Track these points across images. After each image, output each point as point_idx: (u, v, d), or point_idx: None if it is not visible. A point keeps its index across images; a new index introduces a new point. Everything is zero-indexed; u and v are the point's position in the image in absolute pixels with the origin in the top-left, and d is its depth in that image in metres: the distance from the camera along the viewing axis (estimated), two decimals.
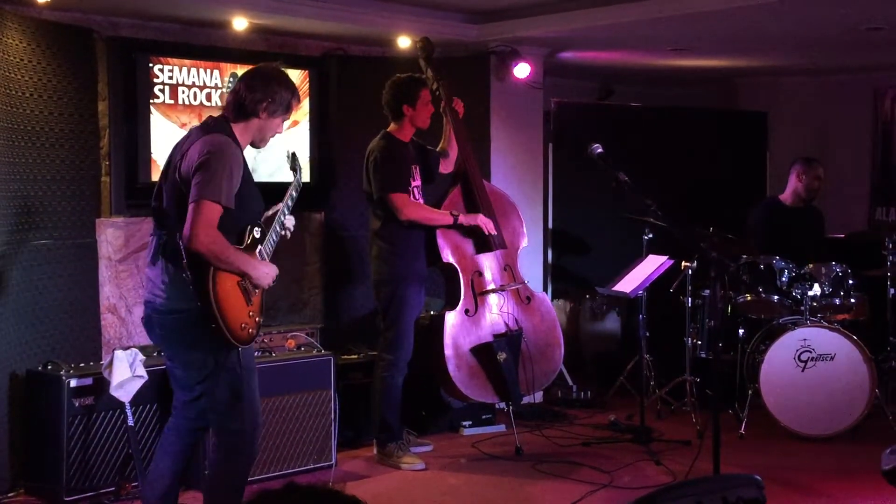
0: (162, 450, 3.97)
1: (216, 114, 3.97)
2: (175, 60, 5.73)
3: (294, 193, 4.05)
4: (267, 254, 3.88)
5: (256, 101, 3.81)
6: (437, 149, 5.73)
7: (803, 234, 6.67)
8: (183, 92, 5.77)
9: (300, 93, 6.16)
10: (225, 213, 3.62)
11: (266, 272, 3.79)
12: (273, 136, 3.96)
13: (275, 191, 4.21)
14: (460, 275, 5.57)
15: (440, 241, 5.51)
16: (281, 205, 4.01)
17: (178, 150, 3.77)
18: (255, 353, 5.15)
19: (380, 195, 5.36)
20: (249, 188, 3.80)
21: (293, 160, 4.16)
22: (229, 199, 3.62)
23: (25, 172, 5.04)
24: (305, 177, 6.24)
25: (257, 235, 3.82)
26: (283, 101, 3.86)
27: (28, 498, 4.89)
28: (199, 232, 3.54)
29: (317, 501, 1.77)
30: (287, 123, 4.08)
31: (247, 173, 3.80)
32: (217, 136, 3.71)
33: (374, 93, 5.79)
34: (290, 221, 4.05)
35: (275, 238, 3.93)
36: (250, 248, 3.78)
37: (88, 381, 4.81)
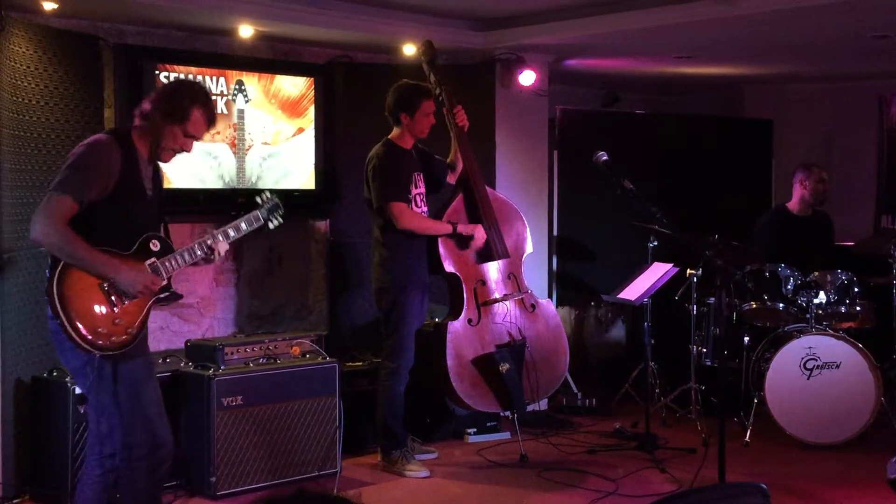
0: (82, 483, 3.84)
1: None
2: (181, 67, 5.74)
3: (244, 225, 3.95)
4: (165, 269, 3.72)
5: (154, 104, 3.74)
6: (448, 160, 5.72)
7: (811, 242, 6.65)
8: None
9: (306, 100, 6.23)
10: (90, 212, 3.53)
11: (133, 278, 3.59)
12: (175, 148, 3.80)
13: (289, 198, 4.13)
14: (463, 284, 5.56)
15: (442, 251, 5.50)
16: (220, 229, 3.91)
17: None
18: (261, 360, 5.19)
19: (378, 204, 5.36)
20: (131, 195, 3.67)
21: (266, 199, 4.04)
22: (81, 192, 3.53)
23: (32, 179, 5.05)
24: (311, 184, 6.27)
25: (154, 248, 3.71)
26: (179, 105, 3.72)
27: (33, 503, 4.91)
28: (37, 221, 3.51)
29: None
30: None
31: (133, 179, 3.67)
32: (96, 136, 3.70)
33: (380, 100, 5.79)
34: (221, 246, 3.89)
35: (187, 257, 3.78)
36: (137, 257, 3.66)
37: None
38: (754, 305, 6.23)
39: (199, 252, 3.83)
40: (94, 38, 5.47)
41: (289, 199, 5.56)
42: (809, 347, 5.96)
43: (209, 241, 3.86)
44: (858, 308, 6.18)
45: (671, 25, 5.86)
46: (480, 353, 5.55)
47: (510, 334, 5.63)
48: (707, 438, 5.87)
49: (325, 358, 5.44)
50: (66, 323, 3.49)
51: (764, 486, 2.33)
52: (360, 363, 5.92)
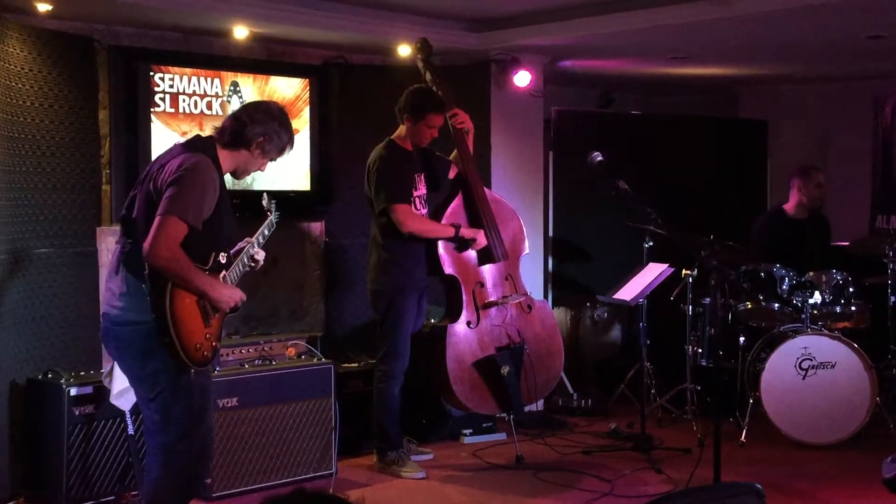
0: (147, 475, 3.90)
1: (206, 132, 3.94)
2: (176, 69, 5.74)
3: (266, 231, 4.05)
4: (231, 281, 3.84)
5: (255, 134, 3.81)
6: (451, 157, 5.70)
7: (808, 245, 6.65)
8: (184, 100, 5.78)
9: (301, 101, 6.24)
10: (191, 233, 3.59)
11: (228, 295, 3.74)
12: (254, 172, 3.96)
13: (275, 199, 4.18)
14: (462, 286, 5.55)
15: (441, 253, 5.49)
16: (252, 238, 4.00)
17: (158, 162, 3.76)
18: (256, 362, 5.20)
19: (381, 206, 5.35)
20: (222, 214, 3.76)
21: (269, 203, 4.13)
22: (196, 218, 3.59)
23: (26, 181, 5.05)
24: (306, 185, 6.27)
25: (222, 261, 3.79)
26: (280, 143, 3.88)
27: None
28: (159, 245, 3.52)
29: None
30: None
31: (222, 199, 3.76)
32: (198, 156, 3.69)
33: (375, 101, 5.81)
34: (259, 255, 4.01)
35: (240, 268, 3.89)
36: (213, 272, 3.75)
37: (89, 389, 4.82)
38: (750, 306, 6.24)
39: (248, 264, 3.96)
40: (88, 40, 5.46)
41: (284, 200, 5.55)
42: (805, 347, 5.96)
43: (251, 251, 3.96)
44: (853, 308, 6.19)
45: (666, 26, 5.86)
46: (480, 355, 5.54)
47: (509, 336, 5.63)
48: (702, 439, 5.87)
49: (321, 359, 5.44)
50: (175, 341, 3.56)
51: (759, 486, 2.34)
52: (355, 364, 5.92)
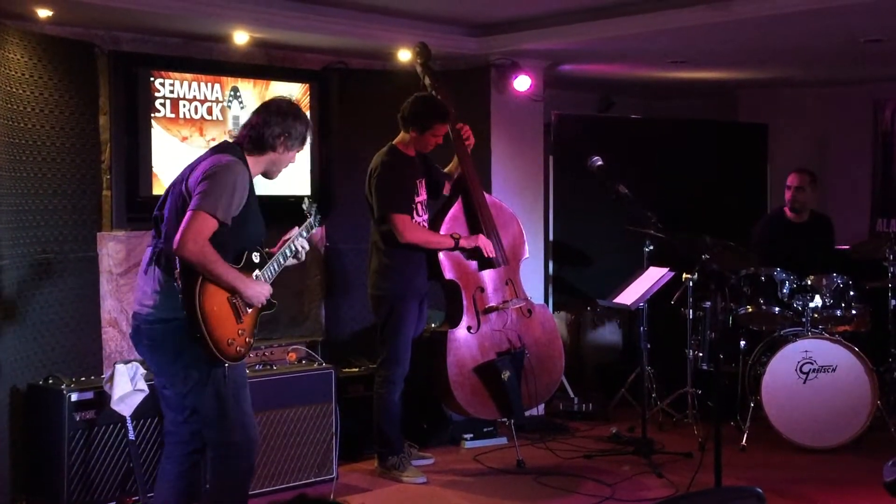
0: (161, 479, 3.98)
1: (230, 138, 4.00)
2: (176, 74, 5.75)
3: (304, 233, 4.10)
4: (265, 279, 3.90)
5: (274, 136, 3.87)
6: (446, 169, 5.71)
7: (807, 246, 6.66)
8: (184, 106, 5.79)
9: (300, 106, 6.24)
10: (221, 230, 3.65)
11: (259, 291, 3.80)
12: (287, 167, 4.02)
13: (284, 204, 4.20)
14: (462, 292, 5.54)
15: (442, 259, 5.48)
16: (296, 231, 4.07)
17: (190, 166, 3.83)
18: (257, 367, 5.20)
19: (381, 213, 5.35)
20: (251, 213, 3.83)
21: (310, 206, 4.20)
22: (226, 215, 3.66)
23: (27, 186, 5.05)
24: (306, 189, 6.27)
25: (255, 260, 3.87)
26: (300, 135, 3.94)
27: None
28: (188, 239, 3.58)
29: None
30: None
31: (252, 199, 3.83)
32: (228, 157, 3.77)
33: (376, 106, 5.80)
34: (305, 245, 4.08)
35: (276, 268, 3.96)
36: (245, 270, 3.81)
37: (89, 394, 4.81)
38: (750, 309, 6.24)
39: (289, 254, 4.02)
40: (88, 46, 5.47)
41: (283, 205, 5.57)
42: (805, 351, 5.96)
43: (297, 243, 4.03)
44: (854, 312, 6.19)
45: (666, 30, 5.87)
46: (481, 360, 5.53)
47: (509, 341, 5.62)
48: (703, 443, 5.87)
49: (321, 364, 5.44)
50: (206, 336, 3.62)
51: (760, 490, 2.34)
52: (356, 369, 5.92)
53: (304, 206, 4.20)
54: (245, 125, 3.95)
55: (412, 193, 5.41)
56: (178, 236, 3.60)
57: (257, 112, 3.95)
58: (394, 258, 5.39)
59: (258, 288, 3.80)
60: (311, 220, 4.16)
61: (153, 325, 3.75)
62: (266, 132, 3.86)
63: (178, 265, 3.64)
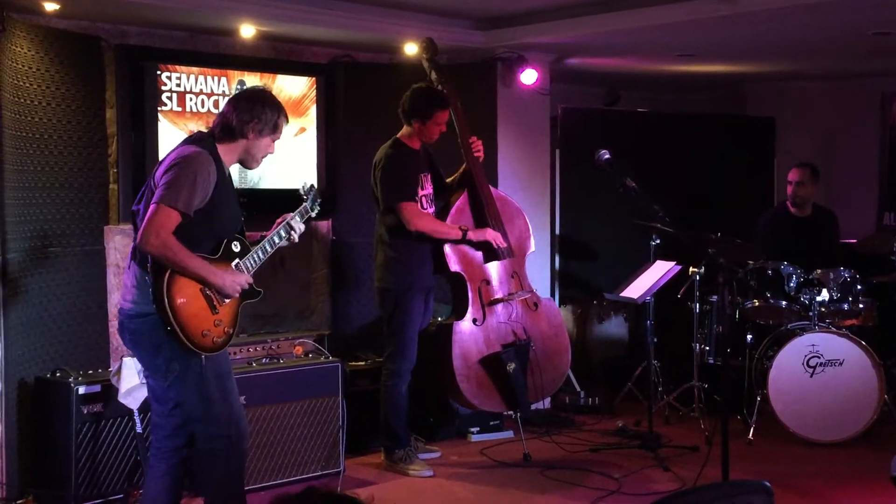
0: (149, 476, 3.98)
1: (204, 129, 4.01)
2: (183, 68, 5.75)
3: (299, 217, 4.09)
4: (246, 268, 3.88)
5: (243, 122, 3.86)
6: (449, 180, 5.72)
7: (810, 241, 6.64)
8: (191, 99, 5.79)
9: (307, 100, 6.25)
10: (187, 222, 3.65)
11: (232, 280, 3.78)
12: (265, 156, 3.99)
13: (288, 198, 4.21)
14: (468, 284, 5.55)
15: (447, 251, 5.49)
16: (279, 225, 4.05)
17: (161, 160, 3.85)
18: (263, 361, 5.20)
19: (388, 204, 5.35)
20: (223, 203, 3.81)
21: (307, 191, 4.20)
22: (188, 206, 3.65)
23: (34, 180, 5.06)
24: (312, 182, 6.25)
25: (235, 249, 3.86)
26: (269, 120, 3.90)
27: None
28: (150, 233, 3.59)
29: None
30: (280, 142, 4.10)
31: (223, 188, 3.81)
32: (191, 148, 3.78)
33: (382, 100, 5.78)
34: (299, 226, 4.07)
35: (260, 255, 3.93)
36: (223, 260, 3.81)
37: (97, 388, 4.83)
38: (757, 303, 6.23)
39: (277, 240, 4.01)
40: (95, 39, 5.47)
41: (290, 198, 5.56)
42: (812, 345, 5.96)
43: (290, 230, 4.03)
44: (861, 305, 6.18)
45: (672, 24, 5.85)
46: (486, 353, 5.54)
47: (515, 333, 5.63)
48: (710, 437, 5.87)
49: (328, 358, 5.44)
50: (177, 328, 3.62)
51: (767, 484, 2.33)
52: (362, 363, 5.92)
53: (301, 189, 4.20)
54: (218, 115, 3.97)
55: (417, 185, 5.42)
56: (140, 231, 3.62)
57: (229, 101, 3.96)
58: (399, 251, 5.40)
59: (231, 278, 3.77)
60: (307, 204, 4.16)
61: (133, 319, 3.76)
62: (235, 119, 3.86)
63: (150, 260, 3.64)
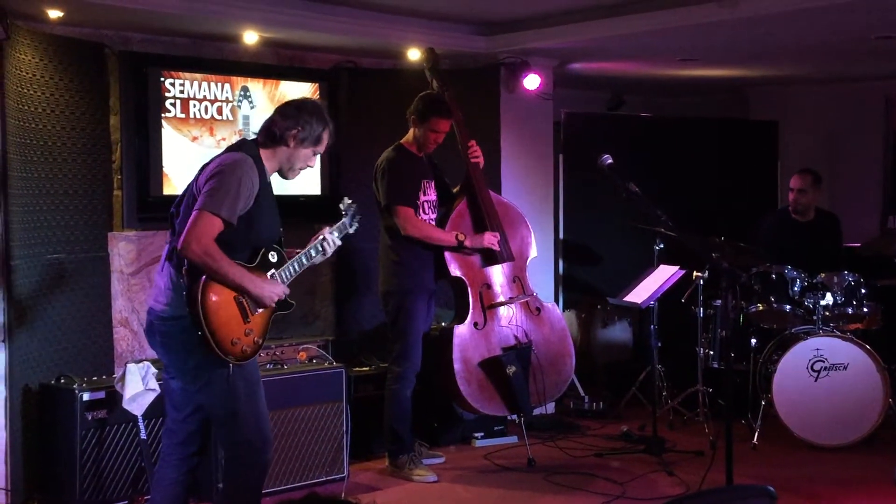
0: (157, 484, 3.95)
1: (238, 133, 4.01)
2: (186, 74, 5.76)
3: (336, 233, 4.08)
4: (283, 279, 3.87)
5: (286, 128, 3.85)
6: (455, 189, 5.74)
7: (812, 245, 6.63)
8: (194, 106, 5.80)
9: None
10: (229, 229, 3.64)
11: (270, 290, 3.77)
12: (303, 167, 3.98)
13: (294, 204, 4.21)
14: (468, 288, 5.56)
15: (447, 255, 5.51)
16: (317, 240, 4.04)
17: (204, 164, 3.84)
18: (268, 366, 5.21)
19: (386, 203, 5.37)
20: (264, 211, 3.81)
21: (347, 206, 4.21)
22: (231, 214, 3.64)
23: (38, 187, 5.07)
24: (316, 189, 6.28)
25: (273, 259, 3.85)
26: (313, 132, 3.89)
27: None
28: (192, 239, 3.58)
29: None
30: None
31: (265, 196, 3.81)
32: (237, 154, 3.76)
33: (385, 105, 5.79)
34: (331, 242, 4.04)
35: (296, 268, 3.93)
36: (260, 269, 3.79)
37: (101, 394, 4.84)
38: (761, 307, 6.22)
39: (314, 254, 4.00)
40: (99, 46, 5.48)
41: (294, 204, 5.58)
42: (817, 349, 5.95)
43: (323, 242, 4.02)
44: (865, 309, 6.17)
45: (675, 28, 5.86)
46: (487, 356, 5.55)
47: (516, 337, 5.64)
48: (714, 441, 5.86)
49: (332, 363, 5.45)
50: (207, 334, 3.61)
51: (772, 488, 2.33)
52: (366, 368, 5.92)
53: (342, 207, 4.20)
54: (265, 120, 3.96)
55: (417, 190, 5.45)
56: (182, 236, 3.61)
57: (278, 107, 3.96)
58: (401, 254, 5.42)
59: (269, 287, 3.77)
60: (346, 219, 4.16)
61: (166, 322, 3.75)
62: (280, 124, 3.86)
63: (186, 263, 3.64)
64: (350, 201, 4.24)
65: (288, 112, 3.88)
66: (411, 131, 5.49)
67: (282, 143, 3.87)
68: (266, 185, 3.84)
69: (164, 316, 3.75)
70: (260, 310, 3.78)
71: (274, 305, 3.82)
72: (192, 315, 3.62)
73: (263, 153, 3.86)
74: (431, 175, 5.56)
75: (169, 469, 3.91)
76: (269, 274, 3.83)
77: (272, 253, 3.85)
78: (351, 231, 4.20)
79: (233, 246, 3.68)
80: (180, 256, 3.65)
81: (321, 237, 4.03)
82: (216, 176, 3.67)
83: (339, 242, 4.08)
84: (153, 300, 3.82)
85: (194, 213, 3.62)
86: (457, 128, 5.62)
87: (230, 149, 3.87)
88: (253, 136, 3.98)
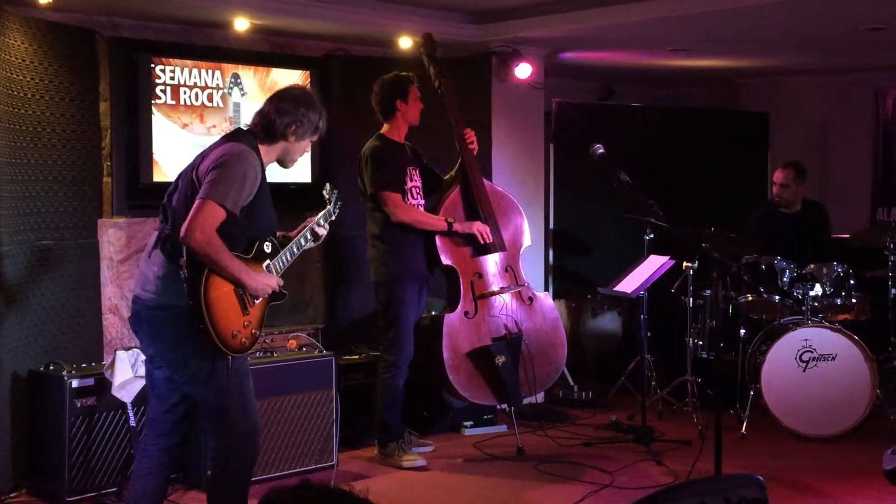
0: (136, 474, 3.90)
1: (243, 126, 3.96)
2: (177, 61, 5.74)
3: (322, 220, 4.09)
4: (276, 270, 3.87)
5: (285, 124, 3.84)
6: (447, 176, 5.73)
7: (801, 237, 6.65)
8: (184, 92, 5.78)
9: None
10: (230, 220, 3.61)
11: (265, 283, 3.76)
12: (301, 156, 3.99)
13: (285, 192, 4.20)
14: (460, 277, 5.56)
15: (439, 244, 5.50)
16: (313, 219, 4.05)
17: (202, 153, 3.79)
18: (258, 354, 5.20)
19: (373, 192, 5.37)
20: (262, 203, 3.79)
21: (330, 192, 4.21)
22: (235, 205, 3.61)
23: (27, 173, 5.05)
24: (307, 177, 6.26)
25: (267, 250, 3.83)
26: (312, 123, 3.90)
27: (30, 498, 4.90)
28: (195, 228, 3.54)
29: (330, 500, 1.76)
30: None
31: (263, 189, 3.79)
32: (240, 145, 3.74)
33: None
34: (322, 230, 4.08)
35: (288, 258, 3.92)
36: (255, 260, 3.78)
37: (90, 381, 4.82)
38: (750, 298, 6.24)
39: (304, 243, 4.00)
40: (89, 32, 5.46)
41: (284, 192, 5.55)
42: (805, 340, 5.97)
43: (314, 229, 4.03)
44: (854, 300, 6.19)
45: (666, 18, 5.86)
46: (477, 345, 5.55)
47: (507, 327, 5.64)
48: (703, 431, 5.87)
49: (322, 351, 5.45)
50: (210, 328, 3.58)
51: (760, 478, 2.34)
52: (356, 356, 5.93)
53: (325, 193, 4.19)
54: (258, 113, 3.92)
55: (404, 176, 5.45)
56: (185, 224, 3.55)
57: (270, 100, 3.92)
58: (390, 243, 5.41)
59: (264, 280, 3.75)
60: (330, 206, 4.15)
61: (153, 311, 3.70)
62: (277, 121, 3.83)
63: (183, 253, 3.59)
64: (332, 187, 4.24)
65: (285, 108, 3.85)
66: (386, 125, 5.49)
67: (281, 138, 3.86)
68: (264, 178, 3.83)
69: (151, 305, 3.69)
70: (257, 301, 3.76)
71: (265, 297, 3.80)
72: (194, 308, 3.57)
73: (262, 147, 3.84)
74: (416, 162, 5.57)
75: (149, 460, 3.85)
76: (263, 265, 3.81)
77: (266, 244, 3.84)
78: (333, 218, 4.19)
79: (232, 237, 3.65)
80: (177, 245, 3.60)
81: (309, 226, 4.02)
82: (221, 166, 3.63)
83: (327, 229, 4.09)
84: (140, 289, 3.75)
85: (198, 201, 3.58)
86: (452, 115, 5.61)
87: (231, 138, 3.82)
88: (246, 126, 3.93)
